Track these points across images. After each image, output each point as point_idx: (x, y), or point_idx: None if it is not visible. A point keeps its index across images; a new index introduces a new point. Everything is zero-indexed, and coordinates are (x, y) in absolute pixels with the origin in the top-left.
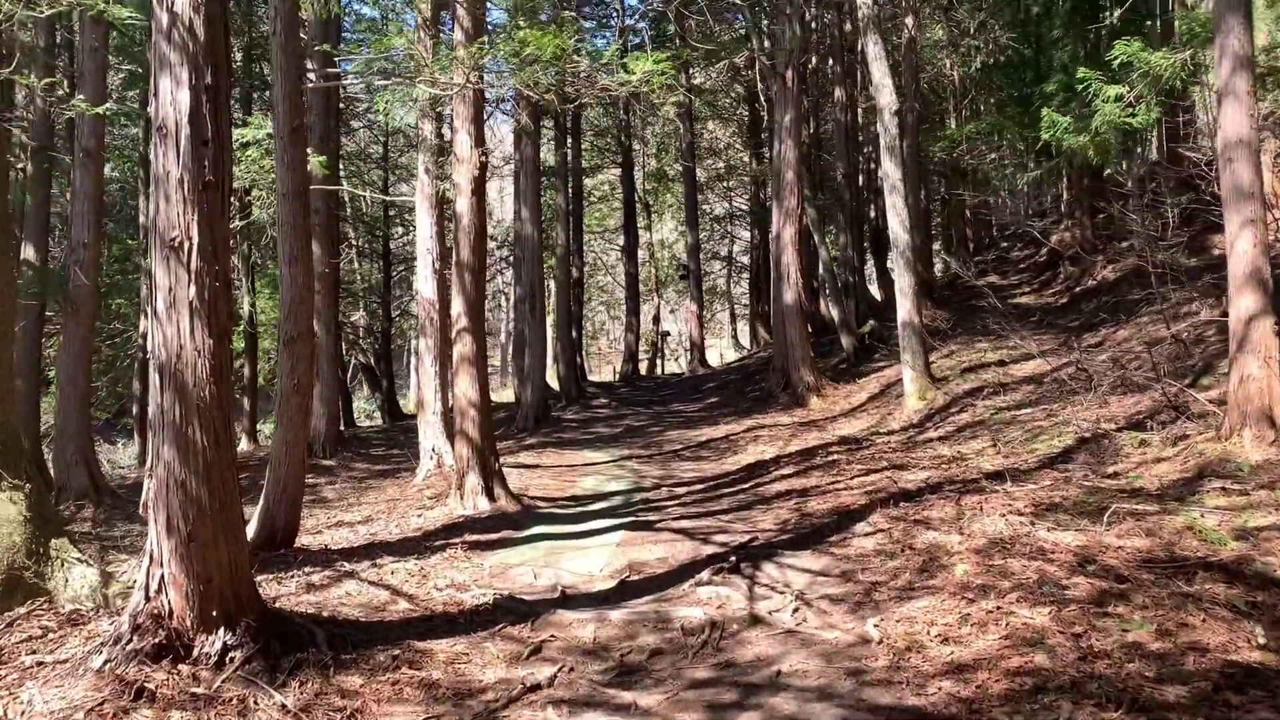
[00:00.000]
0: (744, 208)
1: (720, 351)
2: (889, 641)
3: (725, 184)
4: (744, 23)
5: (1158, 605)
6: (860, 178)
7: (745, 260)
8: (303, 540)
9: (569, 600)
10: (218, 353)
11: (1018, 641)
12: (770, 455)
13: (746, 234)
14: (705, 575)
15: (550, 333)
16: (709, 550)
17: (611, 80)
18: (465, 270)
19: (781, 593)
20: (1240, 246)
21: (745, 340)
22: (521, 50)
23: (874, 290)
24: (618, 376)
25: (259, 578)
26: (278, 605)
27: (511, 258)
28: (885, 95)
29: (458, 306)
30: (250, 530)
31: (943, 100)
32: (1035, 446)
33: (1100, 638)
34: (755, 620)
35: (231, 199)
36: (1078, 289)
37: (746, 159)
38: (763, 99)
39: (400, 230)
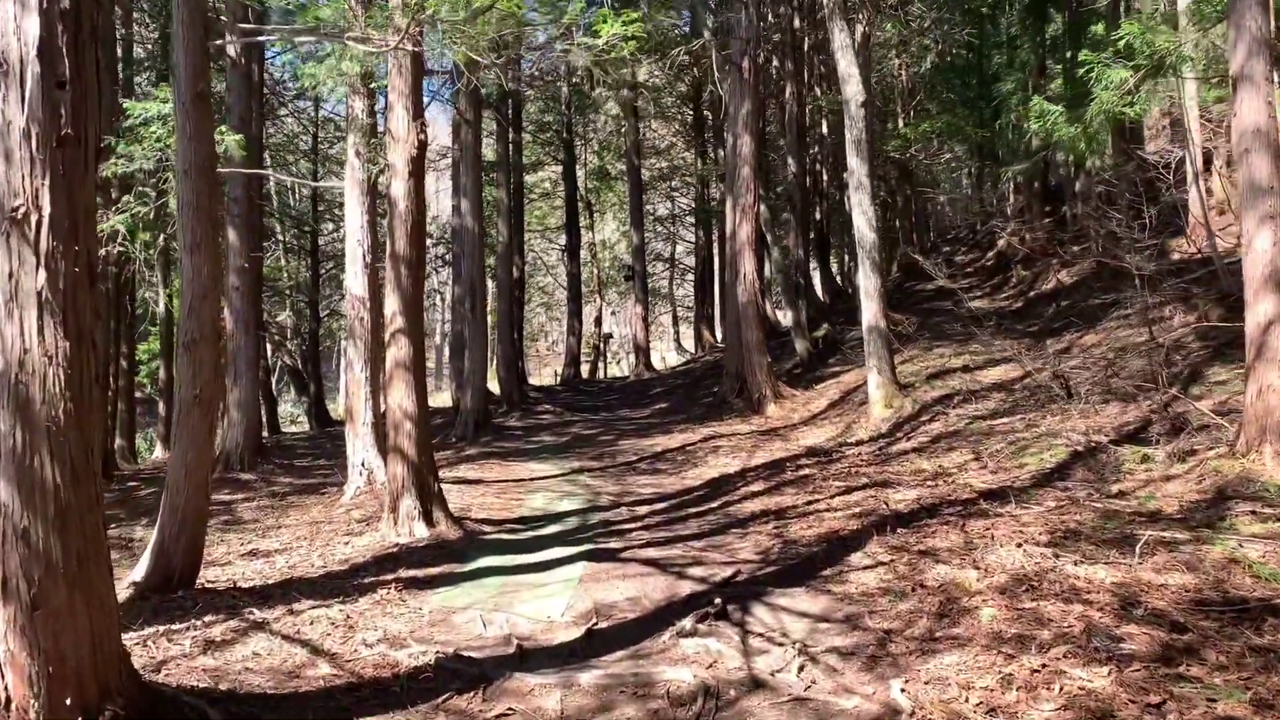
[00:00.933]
0: (688, 207)
1: (662, 355)
2: (923, 713)
3: (669, 184)
4: (688, 19)
5: (1238, 664)
6: (807, 179)
7: (689, 262)
8: (208, 575)
9: (527, 657)
10: (76, 359)
11: (1082, 714)
12: (735, 469)
13: (690, 235)
14: (688, 623)
15: (490, 334)
16: (687, 588)
17: (574, 45)
18: (401, 264)
19: (780, 645)
20: (1258, 245)
21: (688, 343)
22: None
23: (818, 292)
24: (559, 380)
25: (145, 631)
26: (162, 679)
27: (450, 255)
28: (852, 86)
29: (392, 305)
30: (140, 570)
31: (890, 101)
32: (1024, 461)
33: (1184, 709)
34: (756, 684)
35: (108, 170)
36: (1032, 293)
37: (691, 158)
38: (716, 92)
39: (330, 226)
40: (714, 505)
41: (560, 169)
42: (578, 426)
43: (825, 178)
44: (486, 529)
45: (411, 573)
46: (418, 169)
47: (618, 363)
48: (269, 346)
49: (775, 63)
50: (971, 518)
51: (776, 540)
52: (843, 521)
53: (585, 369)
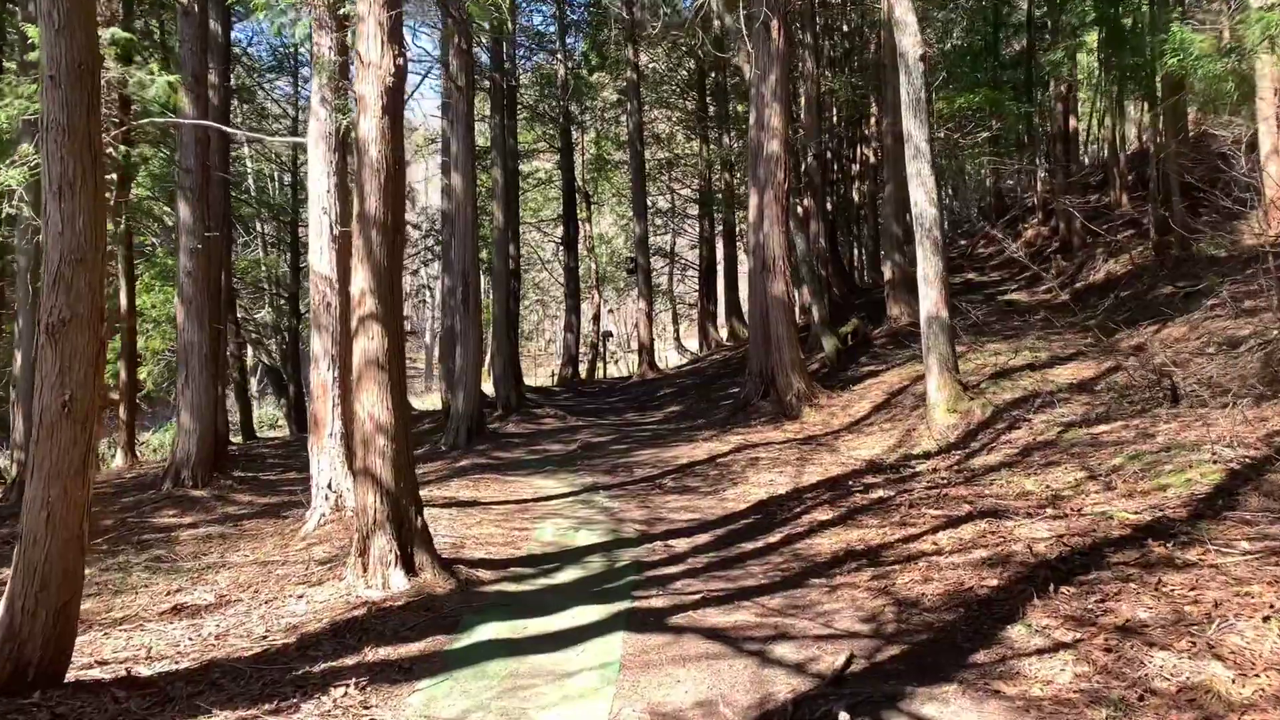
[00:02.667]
0: (690, 198)
1: (663, 355)
2: None
3: (670, 175)
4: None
5: None
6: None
7: (690, 257)
8: (98, 646)
9: None
10: None
11: None
12: (784, 487)
13: (690, 229)
14: None
15: (485, 330)
16: (781, 682)
17: None
18: (372, 227)
19: None
20: None
21: (689, 343)
22: None
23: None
24: (556, 381)
25: None
26: None
27: (442, 246)
28: (909, 36)
29: (361, 281)
30: None
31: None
32: (1164, 482)
33: None
34: None
35: None
36: (1078, 284)
37: (695, 147)
38: (721, 77)
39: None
40: (774, 540)
41: (556, 158)
42: (585, 433)
43: (836, 167)
44: (484, 575)
45: (382, 652)
46: (394, 103)
47: (616, 363)
48: (248, 345)
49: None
50: (1155, 568)
51: (884, 600)
52: (970, 571)
53: (583, 369)
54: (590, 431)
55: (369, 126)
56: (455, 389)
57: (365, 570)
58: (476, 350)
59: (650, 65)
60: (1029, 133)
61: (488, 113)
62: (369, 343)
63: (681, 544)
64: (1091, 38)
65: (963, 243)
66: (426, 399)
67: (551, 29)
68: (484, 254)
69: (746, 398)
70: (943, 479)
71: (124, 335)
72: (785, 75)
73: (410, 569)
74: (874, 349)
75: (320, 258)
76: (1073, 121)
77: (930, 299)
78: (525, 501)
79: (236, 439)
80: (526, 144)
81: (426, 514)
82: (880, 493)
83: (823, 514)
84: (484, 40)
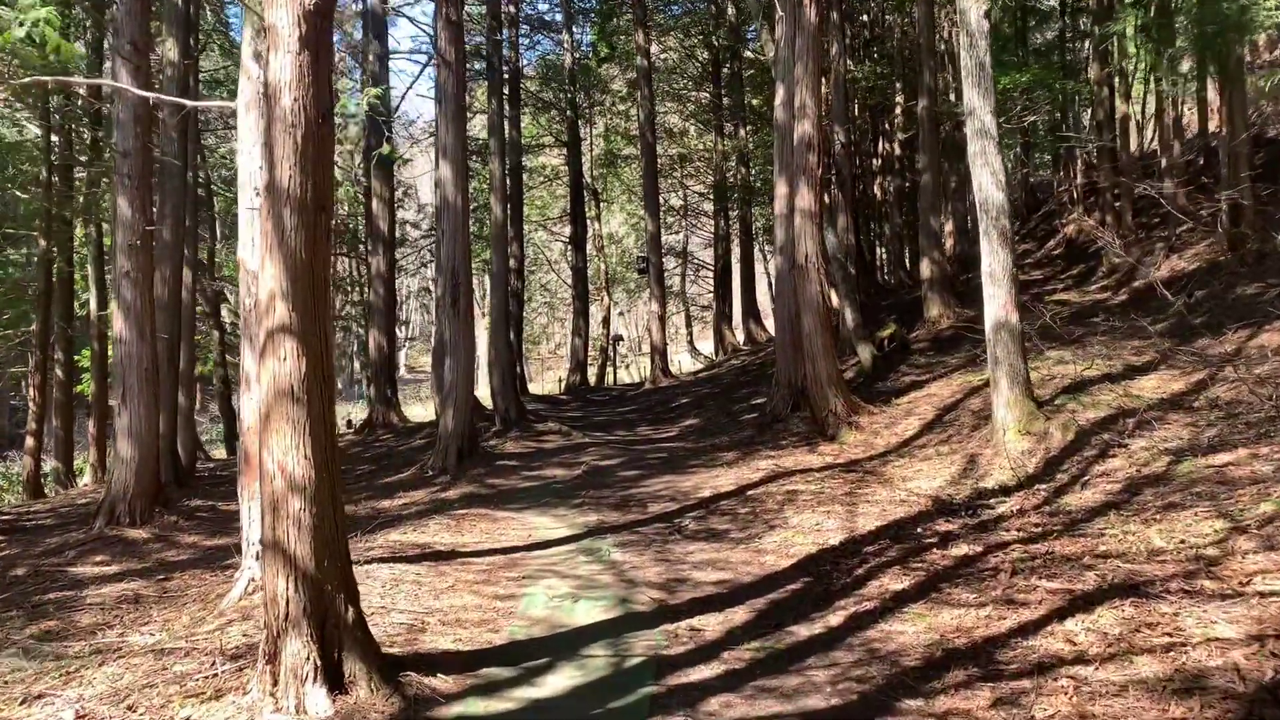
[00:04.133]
0: (703, 194)
1: (676, 358)
2: None
3: (681, 172)
4: None
5: None
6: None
7: (704, 257)
8: None
9: None
10: None
11: None
12: (835, 536)
13: (702, 229)
14: None
15: (484, 335)
16: None
17: None
18: (286, 204)
19: None
20: None
21: (702, 346)
22: None
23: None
24: (563, 387)
25: None
26: None
27: (434, 245)
28: None
29: (270, 280)
30: None
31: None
32: None
33: None
34: None
35: None
36: (1135, 282)
37: (710, 142)
38: (758, 46)
39: None
40: (835, 623)
41: (563, 154)
42: (591, 453)
43: (857, 160)
44: (443, 684)
45: None
46: (316, 34)
47: (627, 368)
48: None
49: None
50: None
51: None
52: (1148, 702)
53: (592, 375)
54: (598, 451)
55: (281, 66)
56: (444, 404)
57: (274, 684)
58: (468, 361)
59: (661, 56)
60: (1068, 119)
61: (492, 103)
62: (280, 366)
63: (712, 624)
64: (1145, 14)
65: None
66: (414, 409)
67: (558, 17)
68: (488, 254)
69: (774, 412)
70: (1036, 526)
71: (93, 343)
72: (819, 47)
73: (336, 683)
74: (913, 355)
75: (252, 251)
76: (1121, 106)
77: (998, 300)
78: (515, 551)
79: (220, 452)
80: (531, 137)
81: (390, 572)
82: (964, 548)
83: (894, 579)
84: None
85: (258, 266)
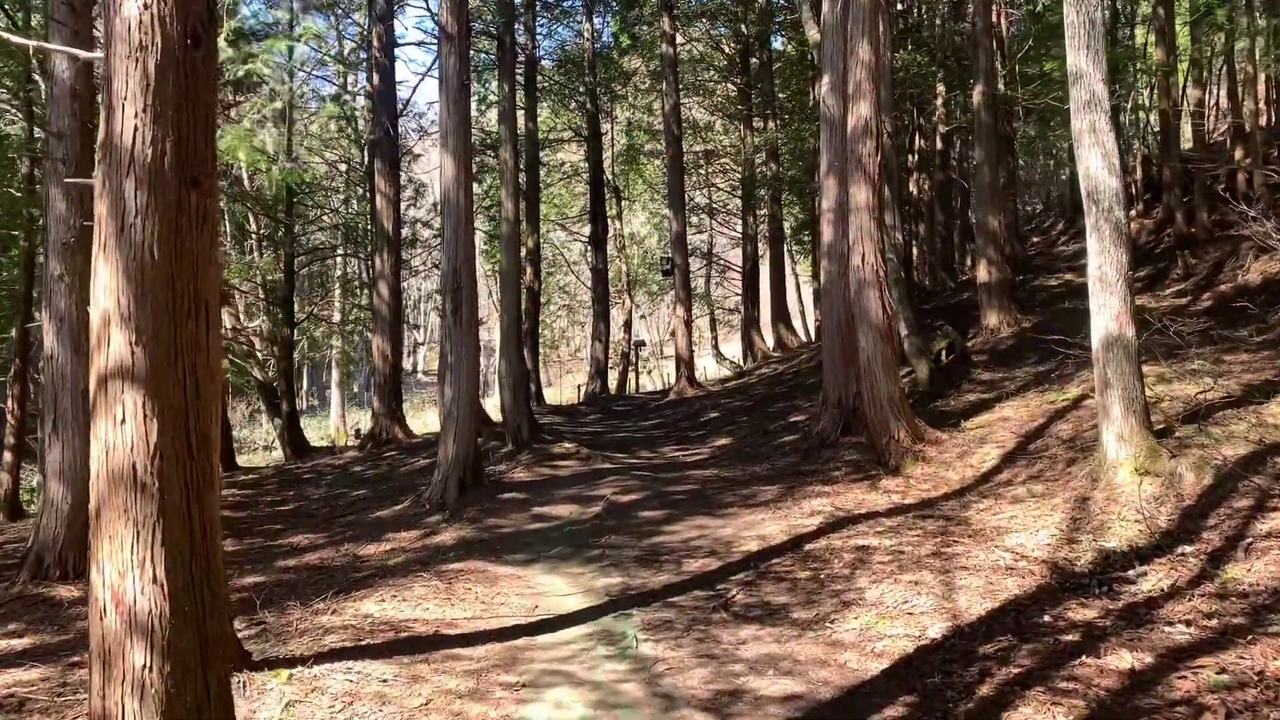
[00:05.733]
0: (730, 190)
1: (701, 364)
2: None
3: (707, 169)
4: None
5: None
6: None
7: (731, 258)
8: None
9: None
10: None
11: None
12: (936, 624)
13: (728, 226)
14: None
15: (495, 340)
16: None
17: None
18: (130, 172)
19: None
20: None
21: (727, 350)
22: None
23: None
24: (582, 396)
25: None
26: None
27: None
28: None
29: (106, 295)
30: None
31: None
32: None
33: None
34: None
35: None
36: (1222, 286)
37: (737, 138)
38: (805, 11)
39: (313, 209)
40: None
41: (583, 147)
42: (610, 482)
43: (897, 155)
44: None
45: None
46: None
47: (649, 373)
48: (250, 361)
49: None
50: None
51: None
52: None
53: (613, 381)
54: (618, 481)
55: None
56: (444, 428)
57: None
58: (471, 378)
59: (686, 47)
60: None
61: (504, 87)
62: (115, 433)
63: None
64: None
65: (1037, 239)
66: (422, 416)
67: (578, 3)
68: (495, 260)
69: (821, 436)
70: (1207, 617)
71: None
72: (878, 17)
73: None
74: (974, 370)
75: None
76: (1195, 92)
77: (1110, 310)
78: (517, 635)
79: None
80: (549, 130)
81: (346, 680)
82: (1125, 656)
83: (1040, 709)
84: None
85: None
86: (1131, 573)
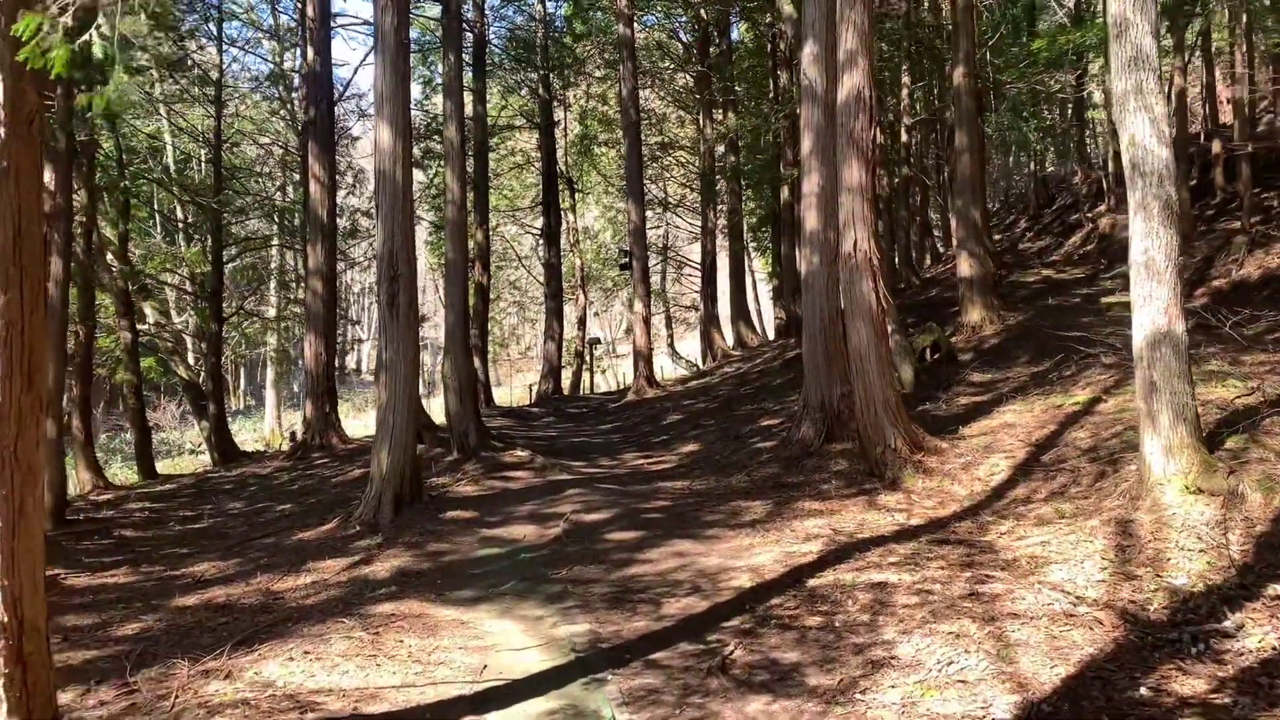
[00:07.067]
0: (685, 182)
1: (659, 364)
2: None
3: (663, 162)
4: None
5: None
6: None
7: (690, 254)
8: None
9: None
10: None
11: None
12: (1000, 699)
13: (685, 220)
14: None
15: (441, 337)
16: None
17: None
18: None
19: None
20: None
21: (682, 346)
22: None
23: None
24: (534, 396)
25: None
26: None
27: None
28: None
29: None
30: None
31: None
32: None
33: None
34: None
35: None
36: (1215, 281)
37: (694, 130)
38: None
39: (244, 196)
40: None
41: (536, 135)
42: (571, 498)
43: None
44: None
45: None
46: None
47: (603, 373)
48: (176, 359)
49: None
50: None
51: None
52: None
53: (567, 381)
54: (580, 496)
55: None
56: (379, 436)
57: None
58: (410, 375)
59: (642, 36)
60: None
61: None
62: None
63: None
64: None
65: (997, 237)
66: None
67: None
68: (439, 247)
69: (804, 443)
70: None
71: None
72: None
73: None
74: (962, 370)
75: None
76: (1179, 81)
77: (1158, 302)
78: (457, 712)
79: (133, 475)
80: (499, 115)
81: None
82: None
83: None
84: None
85: None
86: (1228, 624)
